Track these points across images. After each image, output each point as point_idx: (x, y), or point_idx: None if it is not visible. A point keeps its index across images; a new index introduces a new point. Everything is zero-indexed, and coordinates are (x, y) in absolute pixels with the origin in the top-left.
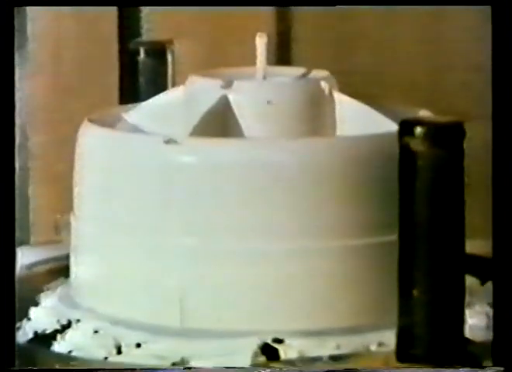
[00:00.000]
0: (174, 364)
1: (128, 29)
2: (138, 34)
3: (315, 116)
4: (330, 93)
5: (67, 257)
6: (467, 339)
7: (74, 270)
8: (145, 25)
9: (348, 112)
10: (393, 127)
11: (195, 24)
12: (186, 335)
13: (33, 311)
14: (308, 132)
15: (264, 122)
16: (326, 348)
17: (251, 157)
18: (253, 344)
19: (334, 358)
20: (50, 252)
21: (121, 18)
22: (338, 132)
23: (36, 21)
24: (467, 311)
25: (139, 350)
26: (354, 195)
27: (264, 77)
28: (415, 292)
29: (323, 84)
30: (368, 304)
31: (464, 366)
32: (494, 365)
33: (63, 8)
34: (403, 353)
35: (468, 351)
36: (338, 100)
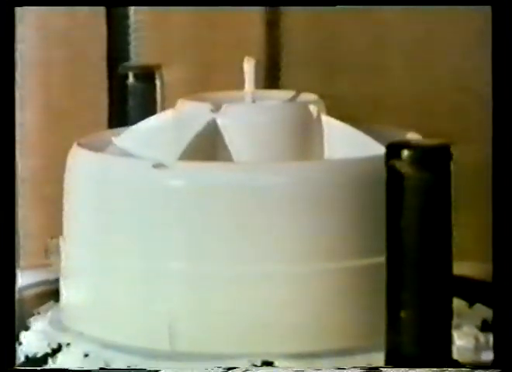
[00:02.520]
0: None
1: (117, 53)
2: (127, 58)
3: (303, 139)
4: (319, 116)
5: (57, 281)
6: (455, 361)
7: (64, 293)
8: (134, 50)
9: (336, 135)
10: (381, 150)
11: (184, 48)
12: (176, 358)
13: (24, 335)
14: (296, 155)
15: (252, 145)
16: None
17: (240, 181)
18: (243, 367)
19: None
20: (40, 275)
21: (110, 42)
22: (326, 155)
23: (25, 44)
24: (455, 333)
25: None
26: (343, 218)
27: (253, 101)
28: (403, 313)
29: (312, 108)
30: (357, 326)
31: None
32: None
33: (53, 30)
34: None
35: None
36: (326, 123)
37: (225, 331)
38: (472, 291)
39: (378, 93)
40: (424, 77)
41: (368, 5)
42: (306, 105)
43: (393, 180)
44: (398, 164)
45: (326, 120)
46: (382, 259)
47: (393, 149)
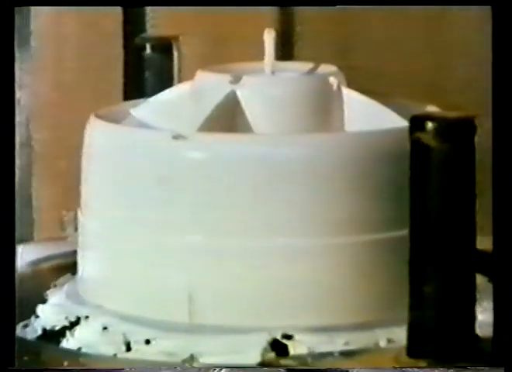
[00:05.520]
0: (183, 361)
1: (133, 24)
2: (143, 29)
3: (323, 111)
4: (339, 88)
5: (73, 254)
6: (476, 335)
7: (81, 266)
8: (150, 21)
9: (356, 108)
10: (402, 122)
11: (200, 20)
12: (195, 331)
13: (41, 309)
14: (316, 127)
15: (272, 117)
16: (335, 344)
17: (259, 153)
18: (262, 340)
19: (344, 354)
20: (56, 248)
21: (126, 13)
22: (346, 128)
23: (39, 16)
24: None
25: (148, 347)
26: (364, 191)
27: (273, 73)
28: (426, 288)
29: (332, 80)
30: (378, 300)
31: (472, 362)
32: (494, 365)
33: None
34: (414, 348)
35: (478, 347)
36: (346, 95)
37: (245, 304)
38: (491, 265)
39: (392, 66)
40: (438, 50)
41: (368, 5)
42: (326, 76)
43: (418, 152)
44: (422, 137)
45: (347, 92)
46: (405, 232)
47: (418, 122)
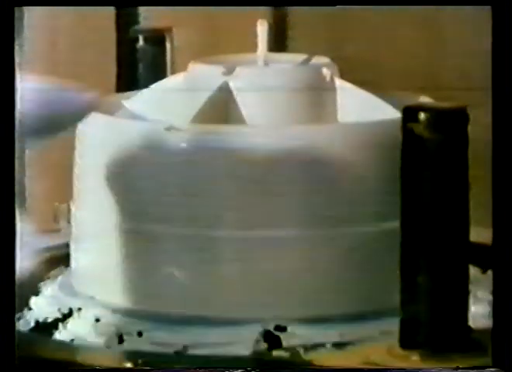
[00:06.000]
0: (176, 352)
1: (126, 16)
2: (136, 21)
3: (316, 103)
4: (332, 79)
5: (66, 246)
6: (469, 327)
7: (74, 258)
8: (143, 13)
9: (349, 99)
10: (394, 114)
11: (193, 11)
12: (188, 323)
13: (34, 301)
14: (309, 118)
15: (265, 108)
16: (328, 335)
17: (252, 144)
18: (255, 331)
19: (337, 345)
20: (50, 240)
21: None
22: (339, 119)
23: (33, 10)
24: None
25: (140, 338)
26: (356, 182)
27: (266, 64)
28: (419, 279)
29: (325, 71)
30: (371, 292)
31: (466, 352)
32: (494, 365)
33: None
34: (407, 339)
35: (470, 338)
36: (339, 86)
37: (238, 295)
38: (485, 256)
39: (387, 57)
40: (434, 41)
41: (368, 5)
42: (319, 68)
43: (410, 143)
44: (415, 127)
45: (340, 83)
46: (397, 223)
47: (410, 113)
